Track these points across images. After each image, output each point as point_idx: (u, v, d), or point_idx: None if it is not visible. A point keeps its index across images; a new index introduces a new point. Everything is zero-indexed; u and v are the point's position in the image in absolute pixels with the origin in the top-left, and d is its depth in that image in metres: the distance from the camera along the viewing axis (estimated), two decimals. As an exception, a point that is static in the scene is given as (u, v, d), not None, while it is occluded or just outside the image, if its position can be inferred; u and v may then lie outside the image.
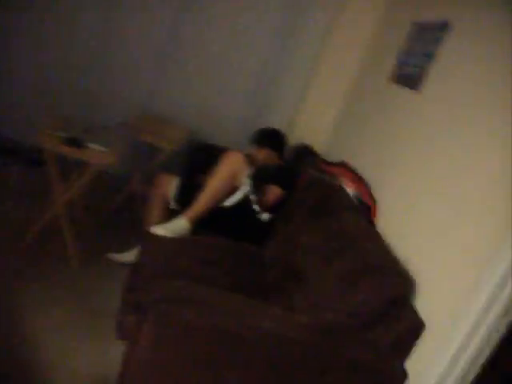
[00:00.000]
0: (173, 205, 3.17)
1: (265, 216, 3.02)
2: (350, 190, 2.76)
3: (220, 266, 2.48)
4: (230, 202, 2.92)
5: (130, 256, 3.11)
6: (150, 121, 3.73)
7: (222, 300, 1.86)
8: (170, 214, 3.11)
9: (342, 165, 3.14)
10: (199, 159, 3.63)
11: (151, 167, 3.62)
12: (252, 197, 2.93)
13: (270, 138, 3.45)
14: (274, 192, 3.11)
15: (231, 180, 2.89)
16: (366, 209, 2.67)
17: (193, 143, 3.82)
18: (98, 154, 2.75)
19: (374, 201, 2.71)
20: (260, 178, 3.11)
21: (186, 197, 3.13)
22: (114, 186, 3.87)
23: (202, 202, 2.84)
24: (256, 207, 2.96)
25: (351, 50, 3.95)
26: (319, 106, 4.09)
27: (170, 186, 3.22)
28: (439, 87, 2.56)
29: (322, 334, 1.96)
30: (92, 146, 2.77)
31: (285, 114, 4.11)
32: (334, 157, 3.57)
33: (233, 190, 2.93)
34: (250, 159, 3.19)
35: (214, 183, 2.86)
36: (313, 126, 4.12)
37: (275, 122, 4.04)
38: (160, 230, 2.69)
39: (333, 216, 2.46)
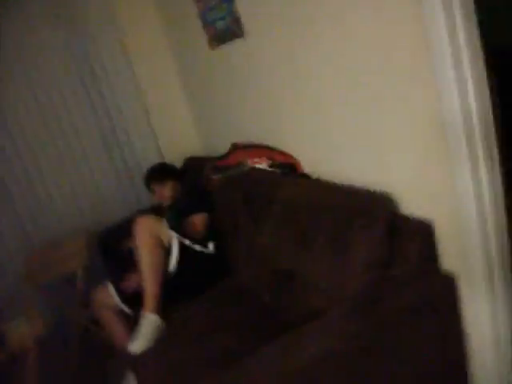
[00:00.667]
0: (127, 309, 2.81)
1: (210, 247, 2.74)
2: (263, 164, 2.53)
3: (225, 331, 2.19)
4: (172, 265, 2.61)
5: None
6: (40, 257, 3.28)
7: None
8: (132, 320, 2.77)
9: (235, 148, 2.90)
10: (112, 249, 3.26)
11: (78, 298, 3.17)
12: (186, 242, 2.64)
13: (165, 170, 3.20)
14: (198, 220, 2.83)
15: (158, 246, 2.57)
16: (291, 169, 2.46)
17: (96, 238, 3.42)
18: (24, 334, 2.32)
19: (291, 157, 2.50)
20: (177, 217, 2.83)
21: (129, 293, 2.78)
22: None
23: (150, 288, 2.50)
24: (197, 246, 2.67)
25: (156, 50, 3.69)
26: (168, 119, 3.83)
27: (109, 295, 2.84)
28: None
29: (362, 314, 1.74)
30: (10, 326, 2.34)
31: (150, 150, 3.80)
32: (220, 148, 3.32)
33: (166, 252, 2.62)
34: (159, 209, 2.90)
35: (146, 263, 2.52)
36: (178, 138, 3.85)
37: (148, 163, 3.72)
38: (138, 345, 2.34)
39: (272, 203, 2.23)
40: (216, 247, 2.76)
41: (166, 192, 3.09)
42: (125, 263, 2.93)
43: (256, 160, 2.56)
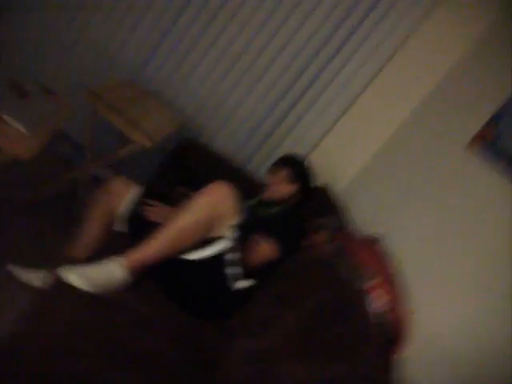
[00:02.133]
0: (120, 226, 2.21)
1: (241, 284, 2.06)
2: (378, 301, 1.79)
3: (146, 365, 1.53)
4: (198, 255, 1.94)
5: (36, 278, 2.15)
6: (132, 93, 2.71)
7: None
8: (112, 239, 2.17)
9: (372, 245, 2.17)
10: (182, 168, 2.65)
11: (111, 159, 2.59)
12: (231, 255, 1.96)
13: (306, 172, 2.52)
14: (266, 249, 2.15)
15: (208, 224, 1.91)
16: (387, 339, 1.72)
17: (182, 142, 2.81)
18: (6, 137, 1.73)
19: (404, 323, 1.76)
20: (256, 226, 2.18)
21: (141, 220, 2.17)
22: (59, 163, 2.84)
23: (157, 244, 1.84)
24: (236, 270, 1.99)
25: (413, 88, 2.90)
26: (351, 145, 3.09)
27: (126, 196, 2.24)
28: None
29: None
30: (8, 120, 1.76)
31: (309, 140, 3.10)
32: (357, 220, 2.61)
33: (204, 238, 1.95)
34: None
35: (182, 222, 1.86)
36: (337, 168, 3.13)
37: (295, 146, 3.07)
38: (75, 278, 1.69)
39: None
40: (249, 288, 2.06)
41: (284, 189, 2.44)
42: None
43: (378, 286, 1.81)
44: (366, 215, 2.64)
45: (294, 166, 2.48)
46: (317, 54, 2.92)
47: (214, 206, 1.88)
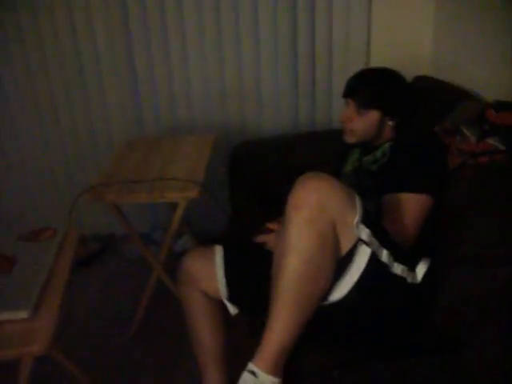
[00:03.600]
0: (232, 309, 1.58)
1: (418, 272, 1.34)
2: None
3: None
4: (340, 292, 1.25)
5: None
6: (139, 153, 2.09)
7: None
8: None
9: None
10: (252, 189, 2.02)
11: (171, 235, 1.96)
12: (383, 254, 1.25)
13: (379, 88, 1.61)
14: (413, 208, 1.42)
15: (329, 249, 1.19)
16: None
17: (232, 155, 2.21)
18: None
19: None
20: (376, 192, 1.49)
21: (247, 287, 1.55)
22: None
23: (281, 327, 1.18)
24: (398, 267, 1.27)
25: None
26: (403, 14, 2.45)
27: (212, 267, 1.59)
28: None
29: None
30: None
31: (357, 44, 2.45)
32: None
33: (337, 262, 1.25)
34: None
35: (292, 267, 1.17)
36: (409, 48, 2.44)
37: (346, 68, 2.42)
38: None
39: None
40: (426, 273, 1.36)
41: (358, 125, 1.62)
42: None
43: None
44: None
45: (359, 90, 1.64)
46: None
47: (316, 219, 1.16)
